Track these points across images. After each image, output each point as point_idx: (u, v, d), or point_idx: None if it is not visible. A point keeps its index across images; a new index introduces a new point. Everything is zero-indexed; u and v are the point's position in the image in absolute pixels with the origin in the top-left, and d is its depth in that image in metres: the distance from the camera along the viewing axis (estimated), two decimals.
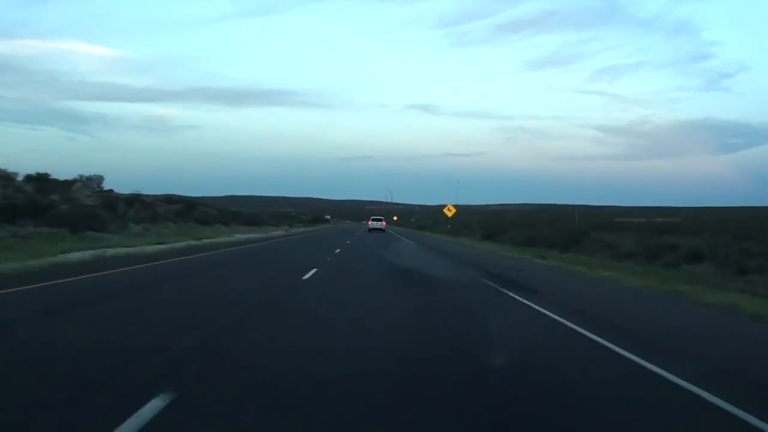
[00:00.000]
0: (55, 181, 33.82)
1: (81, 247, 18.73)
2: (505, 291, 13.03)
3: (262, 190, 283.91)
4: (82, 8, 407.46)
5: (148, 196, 45.44)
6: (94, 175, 38.23)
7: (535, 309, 10.37)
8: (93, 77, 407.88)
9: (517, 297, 11.98)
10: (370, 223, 71.69)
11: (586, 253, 28.09)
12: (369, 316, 9.14)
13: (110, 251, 18.87)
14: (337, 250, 27.65)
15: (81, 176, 37.07)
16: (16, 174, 30.14)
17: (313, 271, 15.95)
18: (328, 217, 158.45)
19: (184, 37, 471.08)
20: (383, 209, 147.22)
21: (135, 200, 39.92)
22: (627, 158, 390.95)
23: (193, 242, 27.96)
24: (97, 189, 37.53)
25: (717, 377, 5.92)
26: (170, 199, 52.67)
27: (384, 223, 73.41)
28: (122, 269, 14.69)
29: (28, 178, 31.48)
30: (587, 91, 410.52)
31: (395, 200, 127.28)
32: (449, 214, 57.83)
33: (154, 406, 4.24)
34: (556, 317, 9.44)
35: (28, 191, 28.23)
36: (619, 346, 7.13)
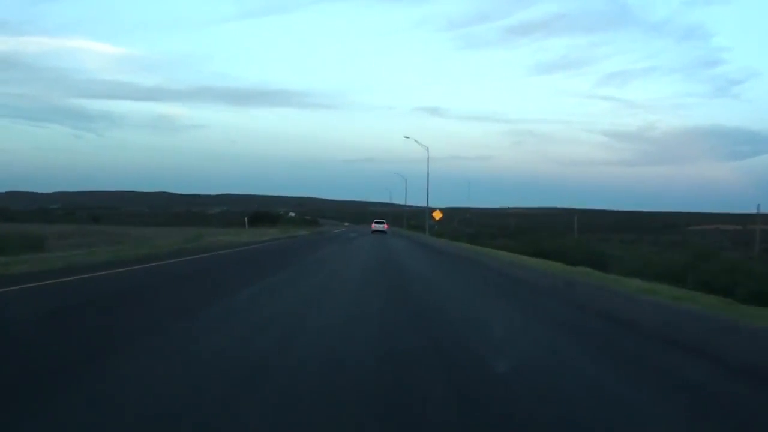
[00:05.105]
0: None
1: None
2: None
3: (265, 190, 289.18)
4: (90, 6, 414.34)
5: None
6: None
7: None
8: (100, 75, 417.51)
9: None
10: (373, 225, 78.42)
11: None
12: None
13: None
14: None
15: None
16: None
17: None
18: (293, 214, 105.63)
19: (192, 36, 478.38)
20: (389, 211, 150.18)
21: None
22: (634, 164, 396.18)
23: None
24: None
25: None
26: None
27: (386, 225, 79.19)
28: None
29: None
30: (596, 96, 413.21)
31: (403, 203, 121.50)
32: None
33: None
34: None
35: None
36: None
